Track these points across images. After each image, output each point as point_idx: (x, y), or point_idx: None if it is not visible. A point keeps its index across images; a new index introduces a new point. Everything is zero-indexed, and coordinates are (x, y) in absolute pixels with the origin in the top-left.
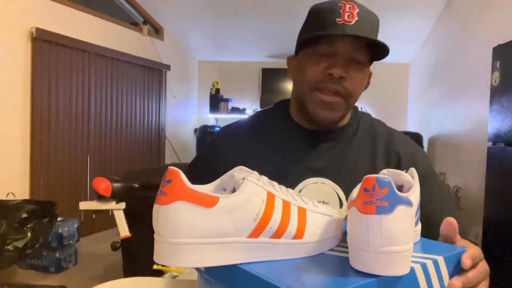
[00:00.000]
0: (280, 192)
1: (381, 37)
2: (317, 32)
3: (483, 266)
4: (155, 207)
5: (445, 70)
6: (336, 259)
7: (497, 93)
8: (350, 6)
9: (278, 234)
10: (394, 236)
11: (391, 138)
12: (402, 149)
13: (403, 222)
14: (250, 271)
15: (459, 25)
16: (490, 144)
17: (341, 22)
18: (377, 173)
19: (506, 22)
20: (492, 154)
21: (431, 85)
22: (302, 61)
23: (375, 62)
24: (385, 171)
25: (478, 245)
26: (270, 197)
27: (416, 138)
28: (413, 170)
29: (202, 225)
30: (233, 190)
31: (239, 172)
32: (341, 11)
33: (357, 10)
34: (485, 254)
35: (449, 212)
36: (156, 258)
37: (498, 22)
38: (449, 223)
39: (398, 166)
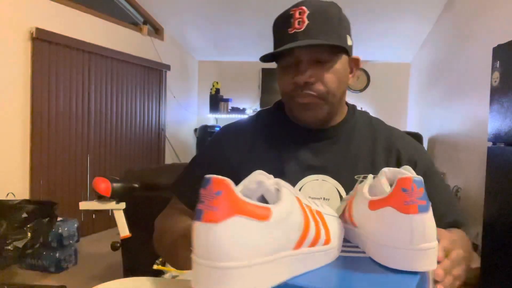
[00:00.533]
0: (302, 197)
1: (381, 36)
2: (271, 51)
3: (456, 253)
4: (202, 226)
5: (445, 70)
6: (357, 260)
7: (497, 93)
8: (300, 11)
9: (314, 242)
10: (430, 232)
11: (390, 135)
12: (402, 147)
13: (433, 219)
14: (305, 285)
15: (459, 25)
16: (490, 144)
17: (293, 32)
18: (377, 170)
19: (506, 22)
20: (492, 154)
21: (431, 85)
22: (277, 74)
23: (375, 62)
24: (385, 169)
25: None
26: (301, 204)
27: (416, 138)
28: (408, 168)
29: (259, 241)
30: (260, 198)
31: (264, 178)
32: (291, 20)
33: (307, 13)
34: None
35: (450, 212)
36: (199, 285)
37: (498, 22)
38: None
39: (398, 164)
